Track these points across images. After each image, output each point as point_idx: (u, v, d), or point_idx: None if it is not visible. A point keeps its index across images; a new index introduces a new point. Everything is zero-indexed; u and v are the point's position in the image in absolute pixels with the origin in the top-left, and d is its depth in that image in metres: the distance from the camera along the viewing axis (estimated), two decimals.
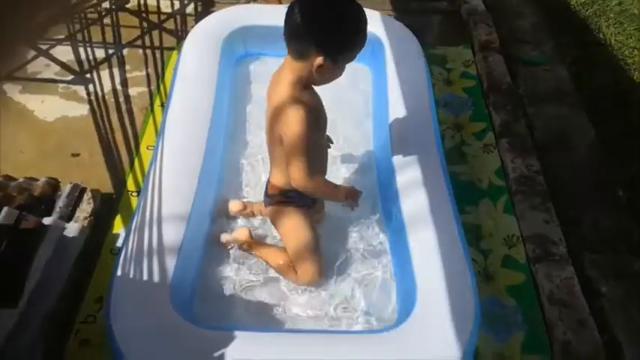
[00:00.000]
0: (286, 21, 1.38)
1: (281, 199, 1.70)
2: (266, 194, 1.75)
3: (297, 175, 1.50)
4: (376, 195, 2.03)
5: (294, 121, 1.43)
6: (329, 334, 1.58)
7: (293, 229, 1.72)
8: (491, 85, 2.50)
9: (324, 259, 1.75)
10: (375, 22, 2.40)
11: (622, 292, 1.80)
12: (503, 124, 2.34)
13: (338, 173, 2.07)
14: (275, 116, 1.49)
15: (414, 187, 1.83)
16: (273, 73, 1.57)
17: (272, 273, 1.79)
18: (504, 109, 2.39)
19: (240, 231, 1.84)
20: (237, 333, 1.45)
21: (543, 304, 1.78)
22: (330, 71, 1.42)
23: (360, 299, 1.72)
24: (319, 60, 1.36)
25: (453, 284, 1.59)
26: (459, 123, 2.39)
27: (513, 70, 2.65)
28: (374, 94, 2.36)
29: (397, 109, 2.07)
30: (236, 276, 1.77)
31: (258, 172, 2.08)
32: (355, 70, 2.49)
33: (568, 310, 1.72)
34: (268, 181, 1.75)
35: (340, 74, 1.47)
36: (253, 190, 2.02)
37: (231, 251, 1.83)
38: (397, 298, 1.71)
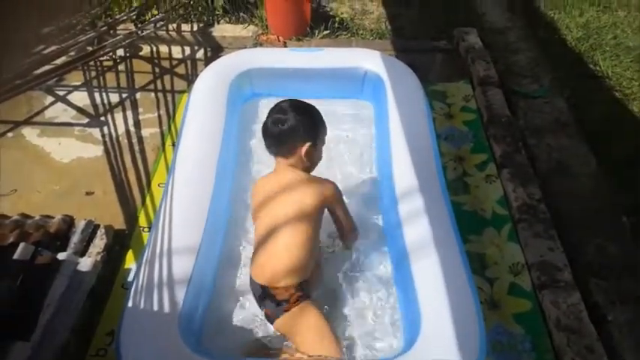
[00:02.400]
0: (270, 134, 1.70)
1: (298, 295, 1.57)
2: (276, 303, 1.57)
3: (352, 224, 1.80)
4: (380, 226, 2.07)
5: (331, 185, 1.74)
6: None
7: (316, 326, 1.57)
8: (491, 118, 2.57)
9: (329, 288, 1.77)
10: (377, 61, 2.51)
11: (629, 317, 1.79)
12: (504, 155, 2.39)
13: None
14: (300, 201, 1.65)
15: (417, 217, 1.86)
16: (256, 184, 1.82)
17: None
18: (504, 141, 2.45)
19: None
20: None
21: (551, 330, 1.78)
22: (316, 154, 1.76)
23: (364, 328, 1.73)
24: (306, 146, 1.68)
25: (457, 312, 1.60)
26: (461, 155, 2.45)
27: (513, 104, 2.73)
28: (376, 129, 2.43)
29: (399, 143, 2.13)
30: (244, 310, 1.79)
31: None
32: (358, 107, 2.58)
33: (576, 336, 1.71)
34: (267, 290, 1.59)
35: (321, 156, 1.80)
36: None
37: (240, 283, 1.87)
38: (402, 326, 1.72)
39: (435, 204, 1.92)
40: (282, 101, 1.75)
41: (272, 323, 1.63)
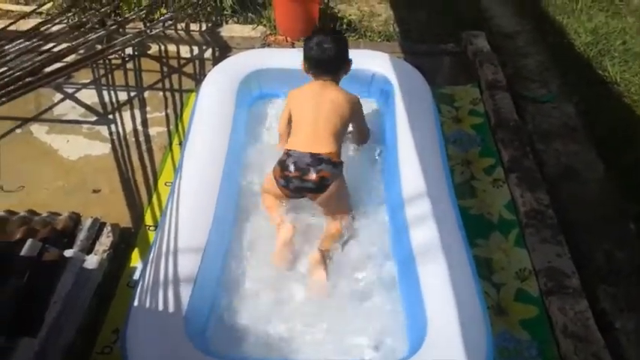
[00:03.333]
0: (323, 58, 2.07)
1: (339, 168, 1.98)
2: (333, 165, 1.94)
3: (367, 134, 2.30)
4: (387, 229, 2.06)
5: (359, 104, 2.17)
6: None
7: (346, 192, 2.04)
8: (499, 122, 2.56)
9: (335, 290, 1.78)
10: (385, 64, 2.51)
11: (637, 324, 1.78)
12: (512, 159, 2.38)
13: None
14: (339, 105, 2.05)
15: (424, 221, 1.86)
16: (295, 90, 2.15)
17: (285, 305, 1.80)
18: (512, 145, 2.44)
19: (283, 234, 1.92)
20: None
21: (558, 337, 1.77)
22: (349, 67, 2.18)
23: (370, 331, 1.72)
24: (348, 64, 2.16)
25: (464, 317, 1.59)
26: (469, 159, 2.44)
27: (521, 108, 2.72)
28: (384, 132, 2.42)
29: (406, 146, 2.13)
30: (250, 307, 1.79)
31: None
32: (365, 110, 2.57)
33: (583, 344, 1.70)
34: (319, 156, 1.92)
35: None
36: (266, 226, 2.06)
37: (246, 282, 1.87)
38: (408, 330, 1.72)
39: (442, 207, 1.92)
40: (318, 31, 2.13)
41: (323, 190, 1.93)
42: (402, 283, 1.86)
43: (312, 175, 1.90)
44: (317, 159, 1.92)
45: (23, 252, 1.66)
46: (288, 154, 1.96)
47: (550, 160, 2.45)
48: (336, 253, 1.96)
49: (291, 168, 1.92)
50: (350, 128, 2.22)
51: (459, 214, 1.92)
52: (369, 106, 2.58)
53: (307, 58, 2.11)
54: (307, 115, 2.04)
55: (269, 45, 3.16)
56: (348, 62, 2.16)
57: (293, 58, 2.57)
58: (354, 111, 2.13)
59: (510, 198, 2.25)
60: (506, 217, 2.18)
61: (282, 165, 1.95)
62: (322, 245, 1.93)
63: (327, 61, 2.08)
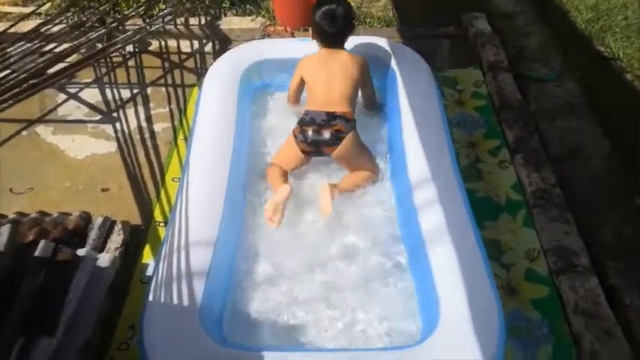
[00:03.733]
0: (332, 29, 2.19)
1: (352, 124, 2.15)
2: (347, 120, 2.13)
3: (374, 97, 2.41)
4: (394, 214, 2.07)
5: (366, 65, 2.28)
6: (354, 352, 1.61)
7: (363, 146, 2.19)
8: (503, 103, 2.56)
9: (345, 277, 1.81)
10: (385, 49, 2.50)
11: None
12: (516, 140, 2.38)
13: (357, 195, 2.13)
14: (348, 68, 2.20)
15: (431, 204, 1.87)
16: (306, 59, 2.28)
17: (298, 295, 1.83)
18: (517, 126, 2.44)
19: (280, 192, 2.01)
20: (265, 353, 1.49)
21: (569, 315, 1.78)
22: None
23: (383, 315, 1.74)
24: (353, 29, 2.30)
25: (475, 298, 1.61)
26: (473, 141, 2.44)
27: (524, 88, 2.70)
28: (387, 118, 2.42)
29: (411, 130, 2.13)
30: (263, 298, 1.82)
31: None
32: None
33: (594, 320, 1.72)
34: (335, 114, 2.12)
35: None
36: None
37: (258, 273, 1.89)
38: (420, 314, 1.73)
39: (449, 190, 1.93)
40: (329, 2, 2.19)
41: (338, 142, 2.10)
42: (412, 268, 1.88)
43: (328, 129, 2.10)
44: (332, 116, 2.12)
45: (37, 253, 1.68)
46: (306, 113, 2.17)
47: (555, 139, 2.45)
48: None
49: (309, 123, 2.13)
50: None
51: (466, 196, 1.93)
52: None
53: (316, 29, 2.23)
54: (320, 81, 2.20)
55: (269, 36, 3.15)
56: (353, 26, 2.30)
57: (293, 47, 2.57)
58: (362, 72, 2.25)
59: (517, 179, 2.26)
60: (514, 197, 2.19)
61: (300, 122, 2.16)
62: (338, 184, 2.10)
63: (337, 32, 2.21)
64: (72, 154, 2.46)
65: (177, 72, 2.93)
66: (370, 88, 2.37)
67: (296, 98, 2.44)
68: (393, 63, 2.45)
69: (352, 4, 3.33)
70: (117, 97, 2.76)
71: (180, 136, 2.51)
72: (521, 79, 2.75)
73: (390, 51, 2.49)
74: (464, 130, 2.50)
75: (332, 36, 2.23)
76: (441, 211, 1.84)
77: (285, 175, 2.14)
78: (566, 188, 2.18)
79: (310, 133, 2.11)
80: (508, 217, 2.12)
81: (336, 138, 2.10)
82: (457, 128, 2.49)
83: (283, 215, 1.98)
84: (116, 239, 1.98)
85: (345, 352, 1.60)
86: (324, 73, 2.21)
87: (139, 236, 2.07)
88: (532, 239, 2.04)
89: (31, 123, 2.61)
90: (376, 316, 1.75)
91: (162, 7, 3.16)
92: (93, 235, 1.94)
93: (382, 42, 2.55)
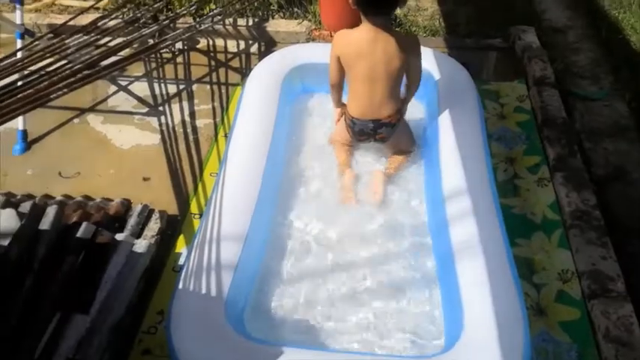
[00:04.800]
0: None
1: (397, 117, 2.16)
2: (390, 126, 2.15)
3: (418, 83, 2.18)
4: (426, 224, 2.06)
5: (416, 44, 2.05)
6: (376, 356, 1.61)
7: (408, 131, 2.28)
8: (546, 120, 2.50)
9: (372, 285, 1.82)
10: (428, 58, 2.49)
11: None
12: (558, 158, 2.32)
13: (387, 199, 2.13)
14: (394, 58, 1.97)
15: (464, 217, 1.86)
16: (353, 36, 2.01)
17: (322, 293, 1.85)
18: (559, 144, 2.37)
19: (347, 176, 2.18)
20: (285, 349, 1.52)
21: (599, 341, 1.73)
22: None
23: (407, 325, 1.74)
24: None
25: (501, 314, 1.59)
26: (512, 157, 2.39)
27: (570, 105, 2.64)
28: (426, 127, 2.41)
29: (448, 141, 2.12)
30: (288, 295, 1.85)
31: (310, 197, 2.18)
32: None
33: (626, 348, 1.66)
34: (380, 121, 2.12)
35: None
36: (307, 215, 2.11)
37: (285, 271, 1.92)
38: (444, 324, 1.72)
39: (483, 204, 1.91)
40: None
41: (383, 142, 2.22)
42: (441, 279, 1.87)
43: (375, 135, 2.18)
44: (378, 124, 2.13)
45: (78, 234, 1.77)
46: (353, 121, 2.15)
47: (599, 160, 2.37)
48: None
49: (359, 134, 2.19)
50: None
51: (500, 211, 1.90)
52: (411, 101, 2.57)
53: None
54: (362, 77, 2.02)
55: (313, 40, 3.19)
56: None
57: None
58: (413, 60, 2.04)
59: (555, 197, 2.20)
60: (550, 217, 2.14)
61: (349, 128, 2.20)
62: (387, 170, 2.22)
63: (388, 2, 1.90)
64: (118, 143, 2.57)
65: (222, 70, 3.01)
66: (416, 76, 2.13)
67: (339, 96, 2.25)
68: (435, 72, 2.44)
69: (399, 12, 3.38)
70: (164, 91, 2.87)
71: (221, 133, 2.58)
72: (568, 97, 2.68)
73: (433, 60, 2.48)
74: (504, 145, 2.45)
75: (386, 5, 1.90)
76: (473, 224, 1.82)
77: (348, 152, 2.29)
78: (607, 212, 2.11)
79: (360, 139, 2.23)
80: (543, 236, 2.07)
81: (383, 140, 2.20)
82: (497, 142, 2.46)
83: (355, 193, 2.14)
84: (153, 227, 2.06)
85: (367, 356, 1.61)
86: (366, 65, 1.97)
87: (175, 226, 2.14)
88: (567, 260, 1.98)
89: (82, 112, 2.74)
90: (400, 323, 1.75)
91: (213, 7, 3.26)
92: (132, 221, 2.03)
93: (426, 51, 2.54)
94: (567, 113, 2.56)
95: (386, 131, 2.16)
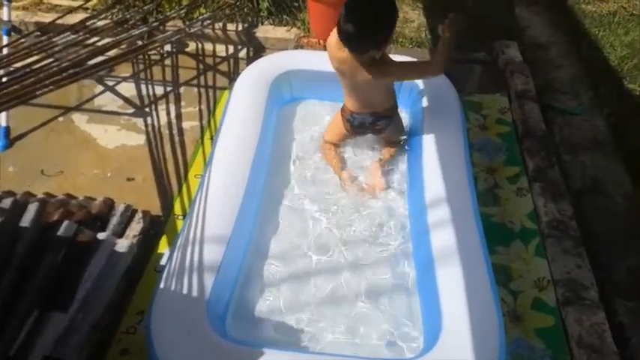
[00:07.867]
0: (347, 31, 1.86)
1: (393, 109, 2.27)
2: (389, 117, 2.26)
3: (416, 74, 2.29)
4: (407, 231, 2.09)
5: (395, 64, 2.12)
6: (356, 358, 1.63)
7: (401, 123, 2.39)
8: (526, 132, 2.56)
9: (352, 286, 1.84)
10: None
11: None
12: (536, 169, 2.37)
13: (369, 206, 2.16)
14: (372, 83, 2.05)
15: (444, 224, 1.89)
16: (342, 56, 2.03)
17: (304, 295, 1.87)
18: (538, 155, 2.43)
19: (344, 179, 2.27)
20: (265, 350, 1.52)
21: (572, 348, 1.77)
22: None
23: (384, 330, 1.76)
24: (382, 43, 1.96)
25: (479, 321, 1.62)
26: (493, 167, 2.45)
27: (549, 119, 2.70)
28: (409, 136, 2.45)
29: (430, 149, 2.16)
30: (270, 297, 1.86)
31: (294, 201, 2.21)
32: None
33: (597, 354, 1.70)
34: (379, 114, 2.21)
35: None
36: (290, 219, 2.13)
37: (267, 274, 1.94)
38: (423, 328, 1.75)
39: (463, 212, 1.94)
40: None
41: (380, 133, 2.33)
42: (420, 285, 1.90)
43: (372, 127, 2.27)
44: (377, 116, 2.22)
45: (59, 232, 1.77)
46: (352, 116, 2.24)
47: (576, 173, 2.43)
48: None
49: (358, 127, 2.28)
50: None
51: (480, 220, 1.94)
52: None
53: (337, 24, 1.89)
54: (351, 86, 2.14)
55: (301, 47, 3.23)
56: (380, 42, 1.88)
57: (324, 60, 2.63)
58: (387, 77, 2.08)
59: (533, 207, 2.26)
60: (528, 226, 2.19)
61: (348, 121, 2.27)
62: (382, 160, 2.34)
63: (353, 33, 1.82)
64: (103, 142, 2.56)
65: (210, 74, 3.03)
66: (413, 76, 2.30)
67: None
68: (420, 83, 2.48)
69: None
70: (151, 93, 2.87)
71: (207, 136, 2.59)
72: (548, 110, 2.75)
73: None
74: (485, 155, 2.50)
75: (346, 36, 1.83)
76: (453, 231, 1.86)
77: (339, 155, 2.37)
78: (583, 223, 2.17)
79: (358, 130, 2.31)
80: (520, 245, 2.11)
81: (380, 131, 2.31)
82: (478, 153, 2.51)
83: (357, 184, 2.26)
84: (135, 227, 2.05)
85: (347, 359, 1.62)
86: (350, 80, 2.09)
87: (158, 226, 2.14)
88: (543, 269, 2.03)
89: (68, 110, 2.73)
90: (379, 326, 1.77)
91: (203, 11, 3.28)
92: (114, 220, 2.02)
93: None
94: (547, 126, 2.62)
95: (384, 123, 2.26)
